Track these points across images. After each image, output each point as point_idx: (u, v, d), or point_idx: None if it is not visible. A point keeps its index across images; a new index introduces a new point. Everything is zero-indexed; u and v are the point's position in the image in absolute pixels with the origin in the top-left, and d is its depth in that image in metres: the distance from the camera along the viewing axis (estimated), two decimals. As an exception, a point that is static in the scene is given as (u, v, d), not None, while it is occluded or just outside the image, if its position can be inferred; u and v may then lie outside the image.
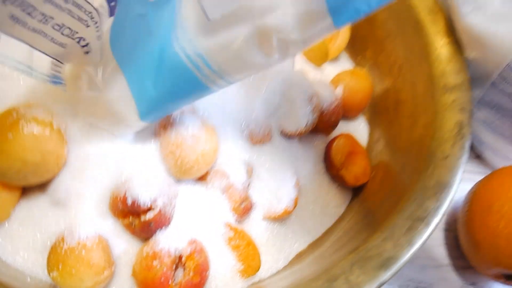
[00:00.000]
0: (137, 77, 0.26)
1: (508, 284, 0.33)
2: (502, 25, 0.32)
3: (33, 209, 0.29)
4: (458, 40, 0.35)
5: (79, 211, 0.28)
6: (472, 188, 0.35)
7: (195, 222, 0.29)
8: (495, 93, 0.35)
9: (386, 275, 0.25)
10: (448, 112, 0.32)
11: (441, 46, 0.35)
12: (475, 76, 0.36)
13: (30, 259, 0.28)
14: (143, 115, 0.27)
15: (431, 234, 0.27)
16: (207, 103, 0.30)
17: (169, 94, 0.26)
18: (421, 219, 0.27)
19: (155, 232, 0.28)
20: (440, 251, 0.37)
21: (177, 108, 0.28)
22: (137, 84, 0.26)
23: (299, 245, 0.33)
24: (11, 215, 0.29)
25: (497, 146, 0.38)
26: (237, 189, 0.30)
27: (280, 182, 0.32)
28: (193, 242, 0.28)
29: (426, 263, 0.36)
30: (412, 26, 0.37)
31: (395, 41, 0.39)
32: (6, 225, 0.29)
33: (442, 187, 0.29)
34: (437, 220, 0.27)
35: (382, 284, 0.24)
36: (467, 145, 0.31)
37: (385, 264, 0.25)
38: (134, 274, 0.27)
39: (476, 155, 0.42)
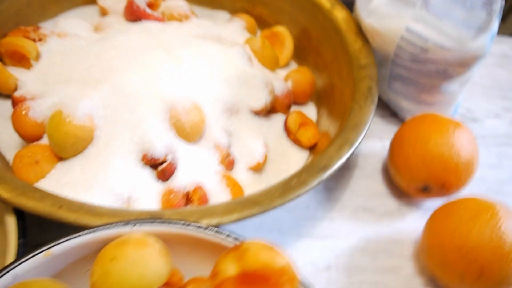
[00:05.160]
0: None
1: (426, 196, 0.46)
2: (387, 21, 0.47)
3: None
4: (365, 36, 0.50)
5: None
6: (395, 134, 0.48)
7: (196, 170, 0.42)
8: (396, 68, 0.50)
9: (324, 175, 0.38)
10: (361, 82, 0.47)
11: (354, 42, 0.50)
12: (380, 59, 0.50)
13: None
14: None
15: (353, 152, 0.40)
16: (198, 92, 0.43)
17: None
18: (346, 144, 0.40)
19: (169, 177, 0.40)
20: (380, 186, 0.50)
21: None
22: None
23: (272, 188, 0.45)
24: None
25: (410, 108, 0.53)
26: (222, 148, 0.43)
27: (252, 143, 0.45)
28: (195, 183, 0.40)
29: (369, 193, 0.49)
30: (335, 32, 0.52)
31: (325, 45, 0.54)
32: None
33: (359, 125, 0.42)
34: (357, 143, 0.41)
35: (321, 181, 0.37)
36: (375, 99, 0.45)
37: (323, 168, 0.38)
38: (161, 203, 0.39)
39: (402, 120, 0.56)
